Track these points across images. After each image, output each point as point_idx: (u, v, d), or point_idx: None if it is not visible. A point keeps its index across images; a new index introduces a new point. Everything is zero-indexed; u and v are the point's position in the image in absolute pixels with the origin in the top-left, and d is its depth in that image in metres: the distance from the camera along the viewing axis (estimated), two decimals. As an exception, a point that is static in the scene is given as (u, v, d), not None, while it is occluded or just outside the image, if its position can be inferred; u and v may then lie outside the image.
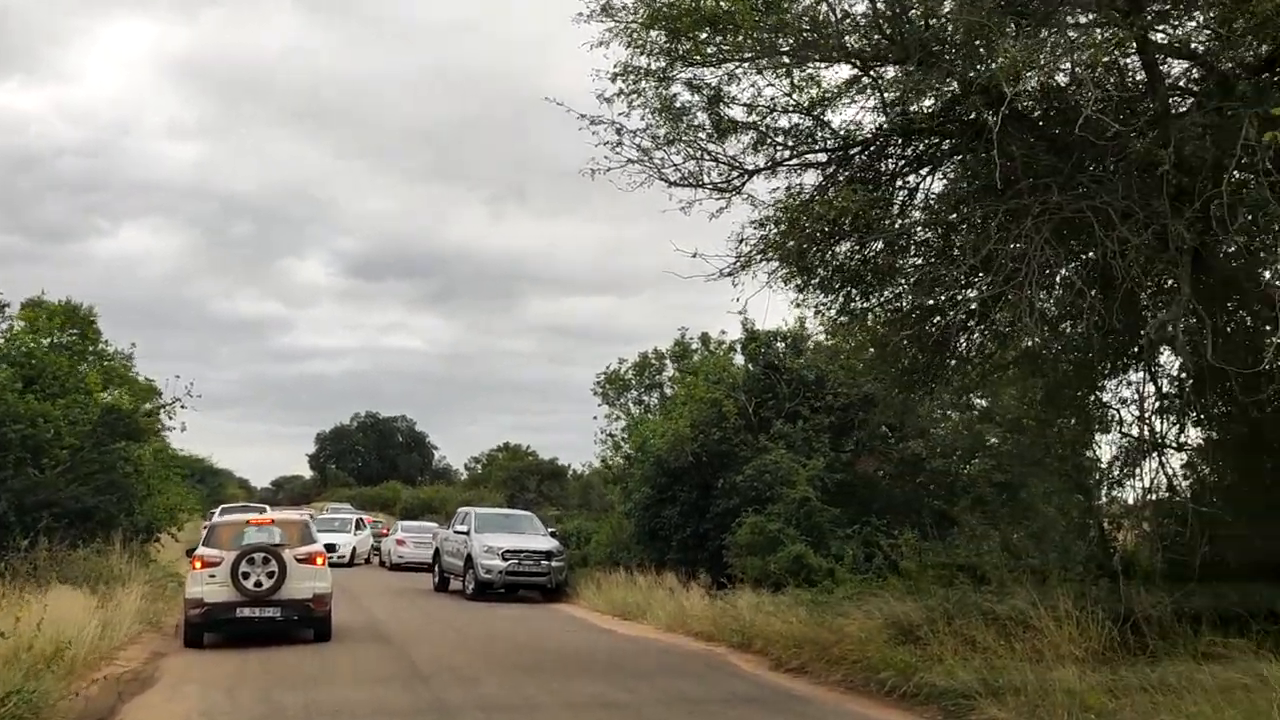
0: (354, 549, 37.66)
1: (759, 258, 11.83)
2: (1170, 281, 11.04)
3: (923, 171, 12.12)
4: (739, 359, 27.52)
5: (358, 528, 40.36)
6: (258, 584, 14.83)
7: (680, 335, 34.11)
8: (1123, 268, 9.84)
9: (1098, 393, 14.48)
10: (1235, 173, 9.61)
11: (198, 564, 15.13)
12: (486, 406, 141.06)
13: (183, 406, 26.68)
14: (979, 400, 19.55)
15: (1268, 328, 10.20)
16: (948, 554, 14.65)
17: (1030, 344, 14.04)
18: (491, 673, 12.68)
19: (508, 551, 23.81)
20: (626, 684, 11.85)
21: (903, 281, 12.17)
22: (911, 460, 21.79)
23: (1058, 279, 12.69)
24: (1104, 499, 15.12)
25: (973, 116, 10.67)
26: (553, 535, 26.34)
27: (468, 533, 24.61)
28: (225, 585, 14.81)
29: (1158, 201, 9.81)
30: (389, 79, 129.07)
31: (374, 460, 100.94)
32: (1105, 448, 15.15)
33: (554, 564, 24.29)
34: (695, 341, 33.44)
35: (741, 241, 11.99)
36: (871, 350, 14.89)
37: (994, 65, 9.35)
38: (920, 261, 12.08)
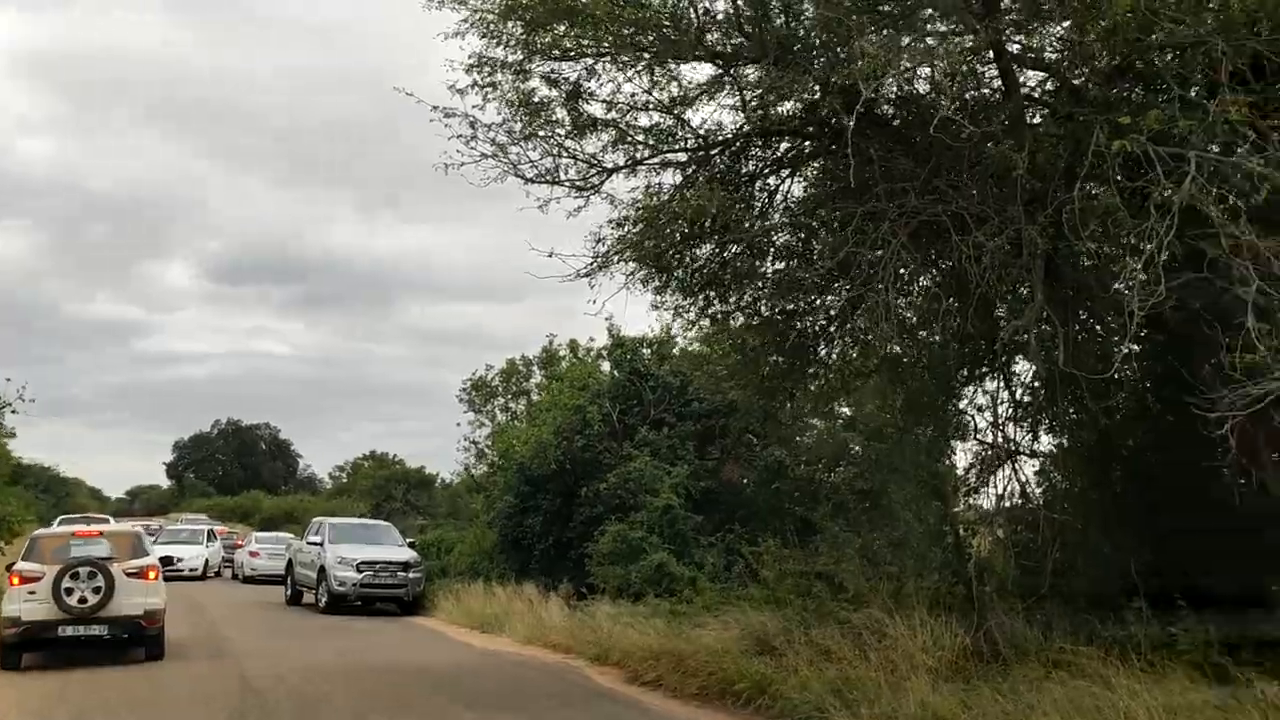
0: (206, 561, 36.17)
1: (616, 258, 11.48)
2: (1025, 289, 11.08)
3: (784, 174, 11.94)
4: (606, 366, 27.21)
5: (209, 539, 38.79)
6: (82, 600, 13.83)
7: (549, 342, 33.69)
8: (977, 273, 9.78)
9: (955, 400, 14.57)
10: (1090, 185, 9.67)
11: (15, 580, 14.05)
12: (357, 414, 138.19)
13: (14, 411, 24.99)
14: (844, 409, 19.69)
15: (1117, 336, 10.23)
16: (808, 562, 14.50)
17: (890, 351, 14.05)
18: (333, 692, 12.02)
19: (363, 563, 22.98)
20: (474, 702, 11.34)
21: (762, 285, 11.95)
22: (775, 467, 21.75)
23: (917, 286, 12.72)
24: (961, 506, 15.23)
25: (832, 119, 10.55)
26: (411, 546, 25.56)
27: (321, 543, 23.71)
28: (46, 602, 13.77)
29: (1012, 207, 9.77)
30: (260, 79, 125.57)
31: (235, 469, 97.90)
32: (963, 455, 15.33)
33: (412, 575, 23.54)
34: (564, 349, 33.04)
35: (599, 241, 11.64)
36: (733, 356, 14.70)
37: (851, 66, 9.16)
38: (780, 265, 11.88)
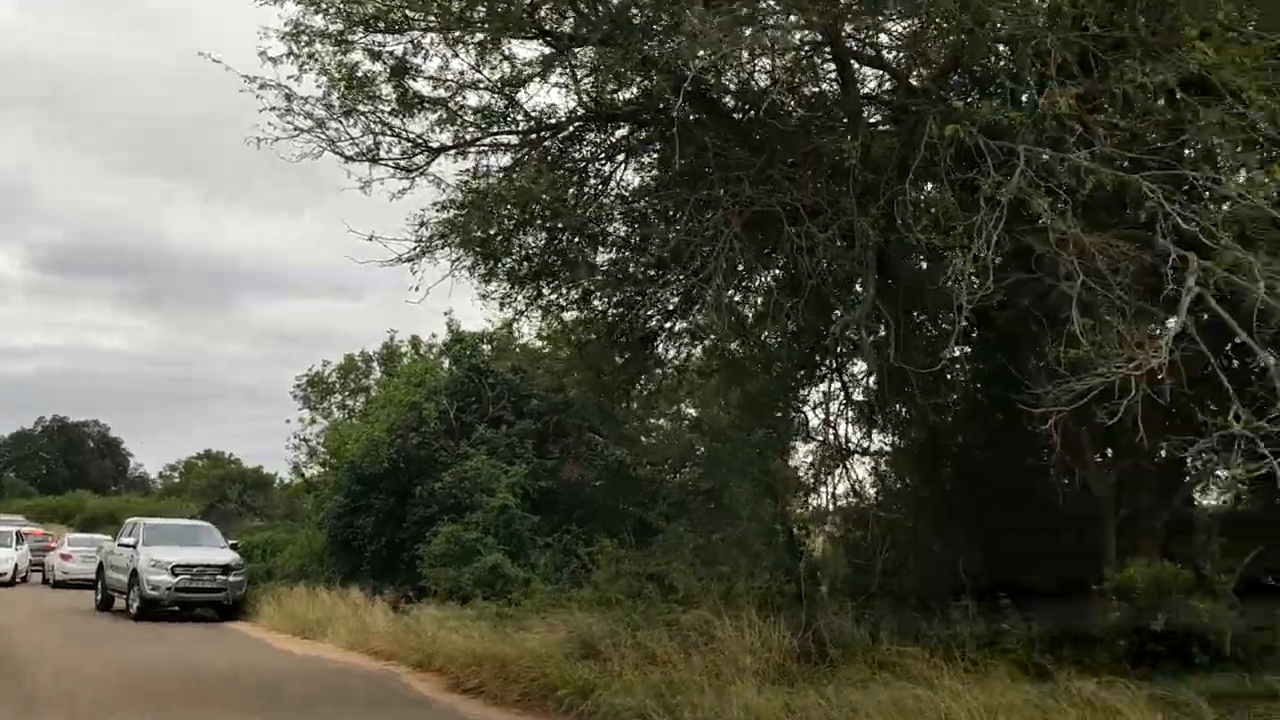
0: (15, 565, 33.84)
1: (440, 243, 10.89)
2: (859, 287, 10.94)
3: (619, 160, 11.52)
4: (448, 363, 26.41)
5: (19, 541, 36.32)
6: None
7: (389, 338, 32.59)
8: (810, 264, 9.56)
9: (796, 400, 14.45)
10: (923, 180, 9.55)
11: None
12: (196, 413, 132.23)
13: None
14: (690, 409, 19.49)
15: (948, 331, 10.14)
16: (643, 563, 14.16)
17: (730, 351, 13.84)
18: (127, 707, 11.06)
19: (178, 566, 21.66)
20: (281, 714, 10.58)
21: (595, 276, 11.52)
22: (616, 467, 21.43)
23: (757, 283, 12.49)
24: (798, 506, 15.11)
25: (661, 105, 10.20)
26: (233, 547, 24.30)
27: (135, 545, 22.32)
28: None
29: (845, 199, 9.59)
30: (101, 65, 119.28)
31: (60, 468, 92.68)
32: (804, 455, 15.24)
33: (232, 579, 22.34)
34: (406, 345, 32.00)
35: (423, 225, 11.03)
36: (570, 351, 14.28)
37: (681, 46, 8.80)
38: (614, 255, 11.47)
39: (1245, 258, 7.46)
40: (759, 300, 12.75)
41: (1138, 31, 8.25)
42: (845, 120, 10.74)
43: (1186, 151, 8.85)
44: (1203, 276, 7.78)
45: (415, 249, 10.95)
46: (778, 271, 11.70)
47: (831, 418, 13.00)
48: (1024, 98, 8.70)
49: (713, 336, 13.81)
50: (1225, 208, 8.14)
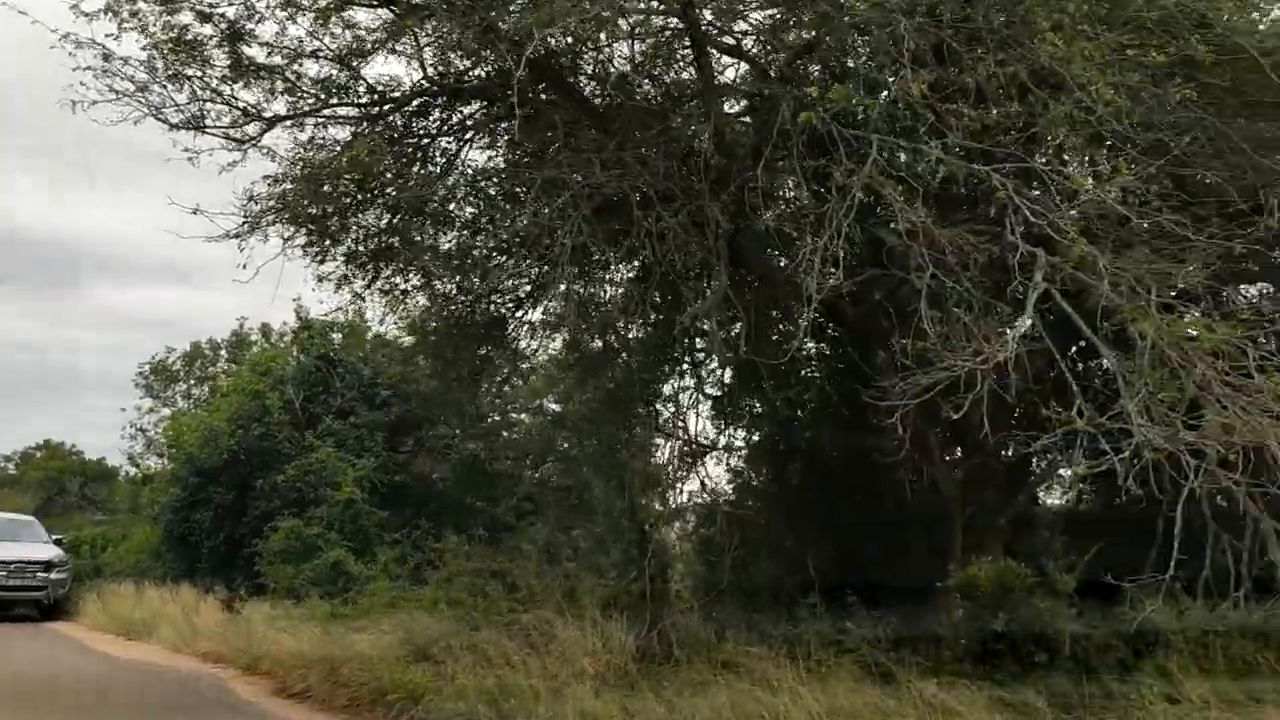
0: None
1: (272, 218, 10.21)
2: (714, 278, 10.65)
3: (466, 138, 10.98)
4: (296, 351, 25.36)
5: None
6: None
7: (239, 325, 31.27)
8: (660, 253, 9.22)
9: (653, 394, 14.12)
10: (778, 164, 9.30)
11: None
12: (37, 401, 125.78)
13: None
14: (553, 405, 19.02)
15: (800, 322, 9.89)
16: (492, 560, 13.63)
17: (586, 343, 13.45)
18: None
19: (-5, 562, 20.26)
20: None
21: (439, 259, 10.96)
22: (471, 462, 20.87)
23: (618, 276, 12.11)
24: (654, 503, 14.80)
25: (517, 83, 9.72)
26: (58, 543, 22.87)
27: (-55, 540, 20.80)
28: None
29: (699, 185, 9.28)
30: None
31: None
32: (665, 451, 14.95)
33: (54, 576, 21.00)
34: (256, 333, 30.73)
35: (252, 199, 10.32)
36: (414, 339, 13.71)
37: (527, 17, 8.35)
38: (460, 238, 10.95)
39: (1091, 253, 7.39)
40: (619, 293, 12.41)
41: (990, 22, 8.13)
42: (702, 108, 10.45)
43: (1037, 154, 8.79)
44: (1050, 273, 7.71)
45: (244, 224, 10.24)
46: (636, 262, 11.33)
47: (683, 412, 12.73)
48: (878, 86, 8.51)
49: (565, 328, 13.45)
50: (1073, 204, 8.08)
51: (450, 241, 11.06)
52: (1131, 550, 8.82)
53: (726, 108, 10.78)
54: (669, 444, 14.16)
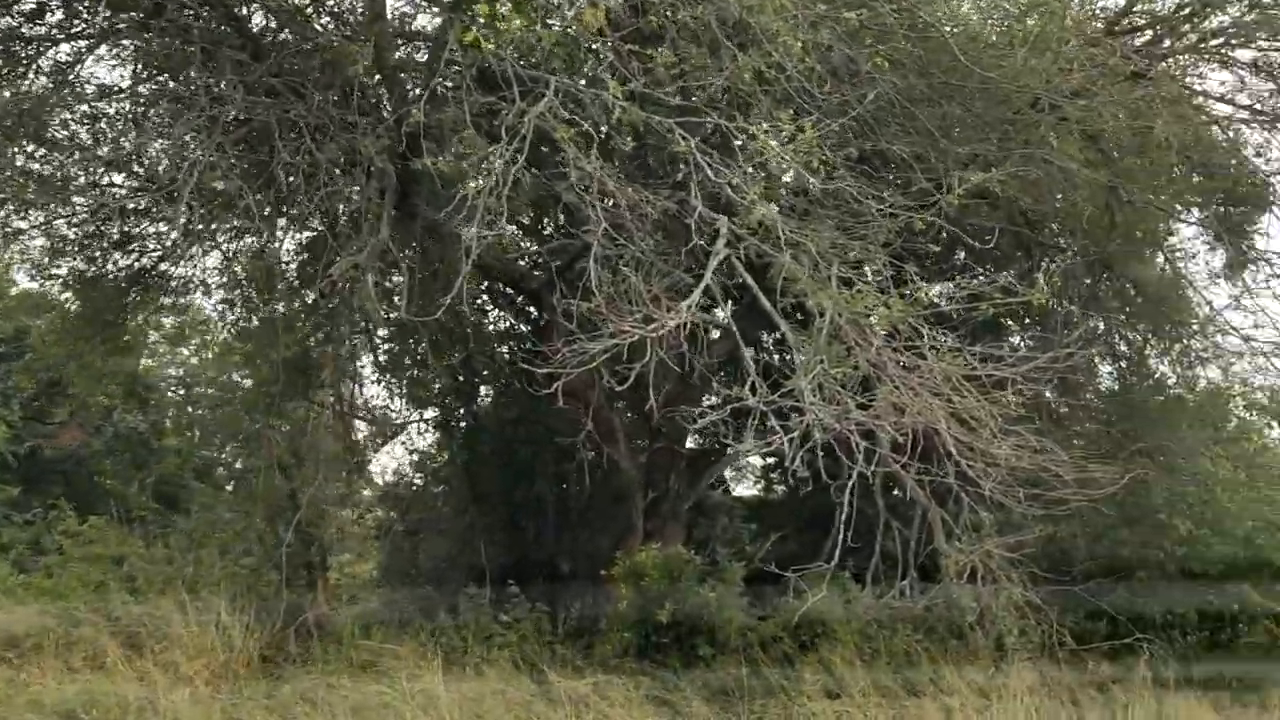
0: None
1: None
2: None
3: (82, 46, 9.17)
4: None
5: None
6: None
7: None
8: (309, 192, 8.02)
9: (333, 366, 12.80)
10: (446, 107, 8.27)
11: None
12: None
13: None
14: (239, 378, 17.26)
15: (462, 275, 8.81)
16: (118, 546, 11.91)
17: (259, 305, 11.99)
18: None
19: None
20: None
21: (43, 186, 9.17)
22: (132, 436, 18.79)
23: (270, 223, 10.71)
24: (325, 486, 13.50)
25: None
26: None
27: None
28: None
29: (353, 118, 8.15)
30: None
31: None
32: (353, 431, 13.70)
33: None
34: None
35: None
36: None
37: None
38: (66, 162, 9.24)
39: (770, 216, 6.81)
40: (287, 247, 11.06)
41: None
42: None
43: (724, 116, 8.20)
44: (733, 240, 7.08)
45: None
46: (292, 211, 9.95)
47: (357, 381, 11.56)
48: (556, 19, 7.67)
49: (220, 286, 12.00)
50: (757, 165, 7.53)
51: (54, 166, 9.27)
52: (816, 539, 8.42)
53: (402, 46, 9.69)
54: (345, 421, 12.99)
